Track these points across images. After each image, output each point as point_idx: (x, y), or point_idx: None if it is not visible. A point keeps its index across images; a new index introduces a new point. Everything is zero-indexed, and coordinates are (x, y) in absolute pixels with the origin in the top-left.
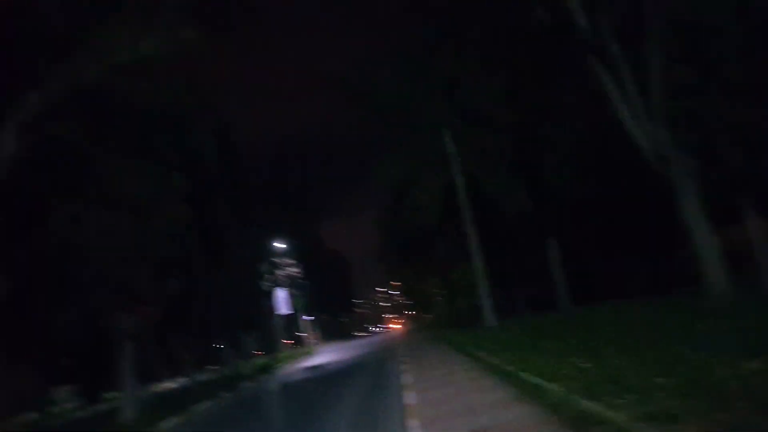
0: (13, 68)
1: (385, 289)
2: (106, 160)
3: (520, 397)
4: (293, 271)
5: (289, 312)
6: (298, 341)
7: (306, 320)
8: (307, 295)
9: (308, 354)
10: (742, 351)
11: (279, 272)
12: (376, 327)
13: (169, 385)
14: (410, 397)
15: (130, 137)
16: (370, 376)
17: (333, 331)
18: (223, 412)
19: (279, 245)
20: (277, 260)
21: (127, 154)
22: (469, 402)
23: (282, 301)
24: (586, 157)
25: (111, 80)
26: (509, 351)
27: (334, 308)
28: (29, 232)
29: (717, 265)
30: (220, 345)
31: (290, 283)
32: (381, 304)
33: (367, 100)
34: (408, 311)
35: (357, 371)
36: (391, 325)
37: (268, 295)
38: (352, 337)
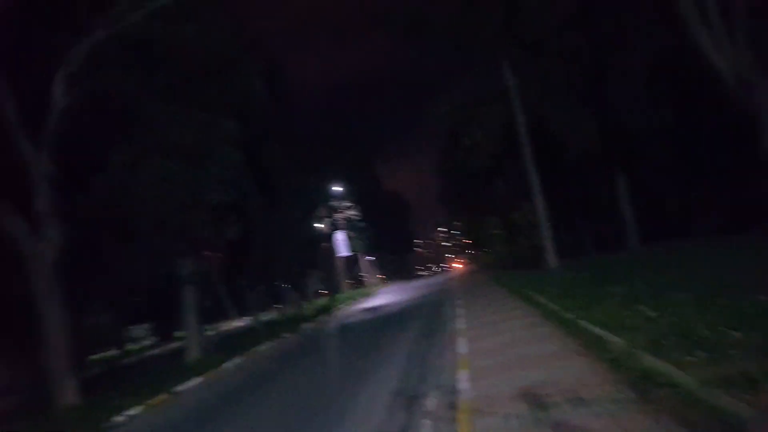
0: (57, 21)
1: (446, 229)
2: (156, 108)
3: (579, 350)
4: (352, 213)
5: (349, 254)
6: (360, 281)
7: (367, 261)
8: (366, 237)
9: (368, 294)
10: None
11: (337, 215)
12: (438, 266)
13: (238, 324)
14: (463, 345)
15: (179, 84)
16: (425, 320)
17: (394, 271)
18: (281, 353)
19: (336, 188)
20: (335, 203)
21: (177, 102)
22: (523, 353)
23: (341, 243)
24: (659, 84)
25: (156, 27)
26: (570, 296)
27: (394, 249)
28: (89, 180)
29: None
30: (283, 286)
31: (349, 225)
32: (442, 243)
33: (422, 35)
34: (469, 251)
35: (413, 314)
36: (452, 265)
37: (328, 238)
38: (412, 276)
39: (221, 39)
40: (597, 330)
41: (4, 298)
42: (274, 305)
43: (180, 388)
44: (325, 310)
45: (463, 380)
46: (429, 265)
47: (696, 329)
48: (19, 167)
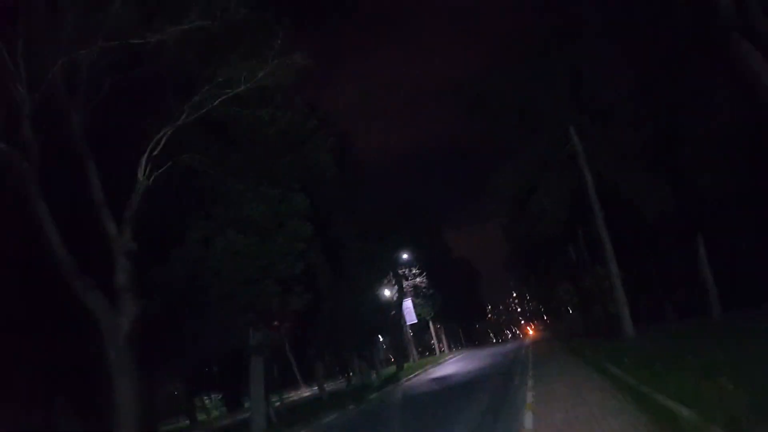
0: (143, 107)
1: (518, 295)
2: (231, 185)
3: (651, 427)
4: (420, 280)
5: (416, 321)
6: (429, 349)
7: (436, 328)
8: (435, 304)
9: (438, 363)
10: None
11: (406, 282)
12: (510, 332)
13: (305, 393)
14: (529, 420)
15: (253, 162)
16: (493, 393)
17: (464, 338)
18: (345, 426)
19: (405, 255)
20: (403, 270)
21: (250, 178)
22: (592, 429)
23: (409, 310)
24: (733, 147)
25: (234, 111)
26: (647, 366)
27: (464, 316)
28: (166, 254)
29: None
30: (350, 355)
31: (417, 293)
32: (515, 309)
33: (487, 106)
34: (541, 317)
35: (482, 385)
36: (525, 330)
37: (397, 306)
38: (483, 344)
39: (293, 119)
40: (671, 404)
41: (78, 369)
42: (342, 374)
43: None
44: (393, 379)
45: None
46: (501, 330)
47: None
48: (102, 243)
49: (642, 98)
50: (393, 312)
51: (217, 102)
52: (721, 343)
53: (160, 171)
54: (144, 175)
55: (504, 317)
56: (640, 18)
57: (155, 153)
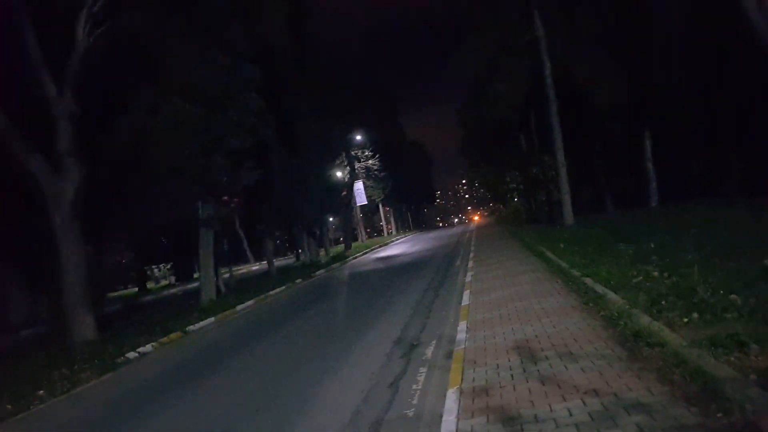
0: None
1: (467, 181)
2: (177, 50)
3: (579, 306)
4: (372, 162)
5: (366, 203)
6: (378, 231)
7: (386, 210)
8: (386, 186)
9: (386, 244)
10: None
11: (358, 164)
12: (457, 218)
13: (254, 268)
14: (467, 297)
15: (201, 26)
16: (436, 271)
17: (413, 221)
18: (292, 298)
19: (358, 137)
20: (356, 152)
21: (199, 44)
22: (524, 307)
23: (360, 191)
24: (693, 41)
25: None
26: (580, 253)
27: (414, 199)
28: (111, 120)
29: None
30: (300, 233)
31: (369, 175)
32: (463, 195)
33: None
34: (489, 204)
35: (425, 265)
36: (471, 217)
37: (348, 186)
38: (431, 227)
39: None
40: (599, 288)
41: (25, 235)
42: (291, 251)
43: (192, 327)
44: (340, 258)
45: (463, 331)
46: (449, 215)
47: (696, 291)
48: (42, 106)
49: None
50: (344, 192)
51: None
52: (654, 233)
53: (100, 30)
54: (84, 33)
55: (452, 202)
56: None
57: (95, 9)
